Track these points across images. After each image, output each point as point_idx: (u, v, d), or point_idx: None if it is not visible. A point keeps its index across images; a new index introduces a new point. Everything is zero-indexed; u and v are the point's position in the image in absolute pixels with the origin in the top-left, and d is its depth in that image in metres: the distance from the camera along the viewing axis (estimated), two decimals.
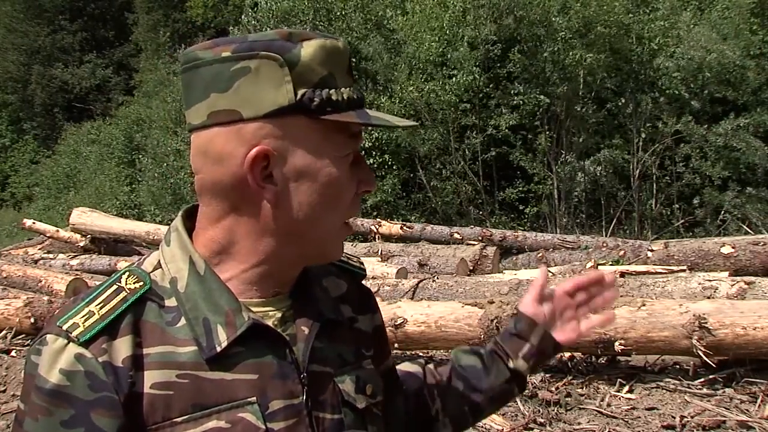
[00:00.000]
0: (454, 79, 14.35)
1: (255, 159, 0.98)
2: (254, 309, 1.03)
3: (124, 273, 1.04)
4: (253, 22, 16.51)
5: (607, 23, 14.34)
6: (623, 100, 14.93)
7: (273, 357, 1.02)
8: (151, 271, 1.04)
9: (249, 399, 0.99)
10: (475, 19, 14.62)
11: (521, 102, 14.58)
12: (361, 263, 1.28)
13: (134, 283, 1.01)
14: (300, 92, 0.97)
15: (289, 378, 1.02)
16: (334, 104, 0.99)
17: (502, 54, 14.75)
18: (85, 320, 0.97)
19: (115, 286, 1.01)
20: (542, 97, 14.37)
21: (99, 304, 0.99)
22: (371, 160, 14.96)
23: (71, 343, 0.95)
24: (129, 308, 0.99)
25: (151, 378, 0.97)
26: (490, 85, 14.84)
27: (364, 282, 1.27)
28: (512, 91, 14.75)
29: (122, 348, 0.96)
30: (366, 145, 14.93)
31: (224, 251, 1.04)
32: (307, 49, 0.98)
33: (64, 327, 0.96)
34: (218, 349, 0.98)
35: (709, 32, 14.50)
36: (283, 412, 1.00)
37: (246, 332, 1.00)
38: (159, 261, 1.05)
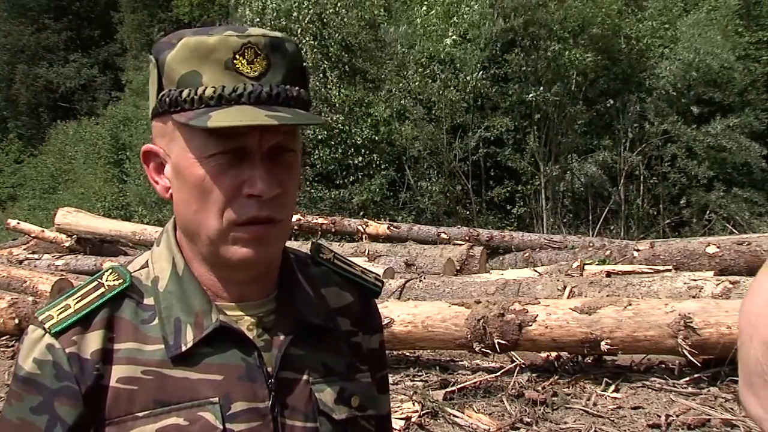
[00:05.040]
0: (460, 77, 14.41)
1: (143, 156, 1.06)
2: (230, 312, 1.04)
3: (107, 271, 1.07)
4: (248, 18, 16.42)
5: (603, 25, 14.42)
6: (612, 102, 14.99)
7: (241, 360, 1.02)
8: (137, 270, 1.07)
9: (211, 399, 0.99)
10: (490, 19, 14.67)
11: (516, 102, 14.65)
12: (379, 280, 1.24)
13: (114, 280, 1.05)
14: (161, 93, 1.00)
15: (256, 381, 1.02)
16: (186, 102, 0.97)
17: (501, 54, 14.80)
18: (60, 313, 1.01)
19: (95, 283, 1.05)
20: (531, 95, 14.41)
21: (77, 298, 1.03)
22: (359, 158, 14.94)
23: (46, 334, 0.99)
24: (105, 304, 1.02)
25: (117, 372, 0.99)
26: (484, 82, 14.87)
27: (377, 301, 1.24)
28: (509, 91, 14.80)
29: (93, 341, 1.00)
30: (357, 142, 14.92)
31: (185, 250, 1.07)
32: (174, 50, 0.99)
33: (40, 318, 1.01)
34: (183, 348, 1.00)
35: (697, 34, 14.60)
36: (246, 414, 1.00)
37: (215, 334, 1.01)
38: (147, 261, 1.09)
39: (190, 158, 0.98)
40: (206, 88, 0.96)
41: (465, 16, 14.81)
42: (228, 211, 0.98)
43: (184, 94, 0.97)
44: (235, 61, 0.97)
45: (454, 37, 14.72)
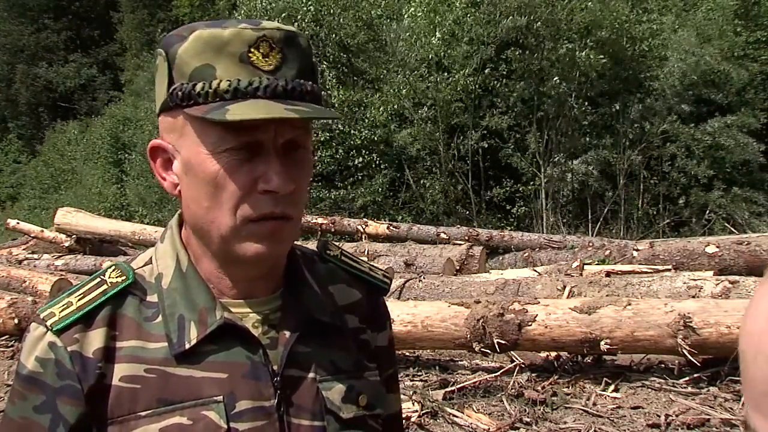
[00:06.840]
0: (451, 77, 14.40)
1: (150, 152, 1.03)
2: (235, 309, 1.03)
3: (110, 267, 1.05)
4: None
5: (611, 28, 14.41)
6: (617, 107, 14.99)
7: (246, 357, 1.01)
8: (141, 267, 1.06)
9: (215, 397, 0.98)
10: (484, 15, 14.63)
11: (517, 101, 14.65)
12: (387, 277, 1.23)
13: (117, 277, 1.03)
14: (172, 86, 0.98)
15: (261, 380, 1.00)
16: (200, 95, 0.95)
17: (498, 53, 14.79)
18: (62, 310, 0.99)
19: (98, 279, 1.03)
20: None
21: (79, 295, 1.01)
22: (360, 159, 14.95)
23: (48, 332, 0.98)
24: (108, 301, 1.00)
25: (120, 371, 0.98)
26: (481, 85, 14.86)
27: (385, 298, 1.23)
28: (509, 89, 14.79)
29: (95, 339, 0.98)
30: (356, 143, 14.92)
31: (193, 247, 1.06)
32: (186, 43, 0.97)
33: (42, 315, 1.00)
34: (187, 346, 0.99)
35: (695, 34, 14.62)
36: (251, 413, 0.99)
37: (219, 331, 1.00)
38: (151, 257, 1.07)
39: (203, 153, 0.96)
40: (221, 81, 0.94)
41: (447, 14, 14.80)
42: (242, 207, 0.97)
43: (198, 87, 0.95)
44: (249, 55, 0.95)
45: (439, 35, 14.70)
